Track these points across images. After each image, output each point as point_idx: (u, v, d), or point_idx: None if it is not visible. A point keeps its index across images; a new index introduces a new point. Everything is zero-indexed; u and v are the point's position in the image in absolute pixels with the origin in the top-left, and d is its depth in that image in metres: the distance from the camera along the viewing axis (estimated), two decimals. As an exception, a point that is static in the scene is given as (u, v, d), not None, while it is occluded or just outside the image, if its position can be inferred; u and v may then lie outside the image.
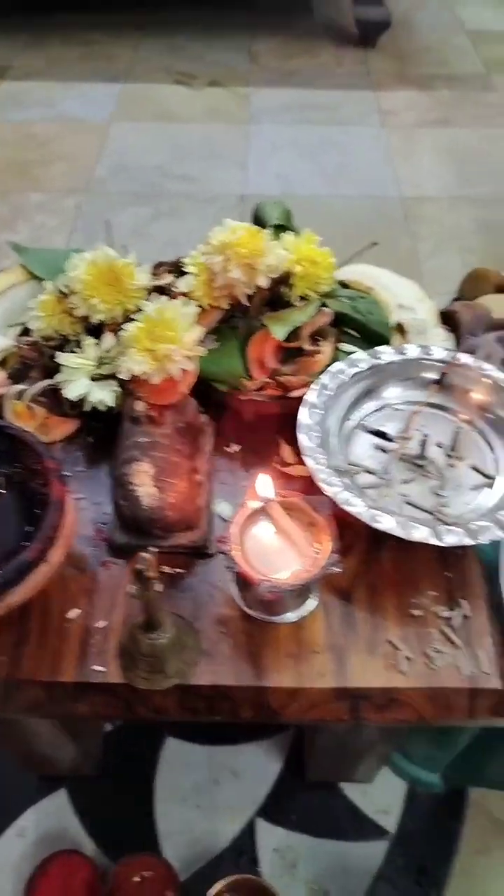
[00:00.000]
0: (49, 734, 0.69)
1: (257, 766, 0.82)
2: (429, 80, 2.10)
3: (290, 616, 0.48)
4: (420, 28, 2.39)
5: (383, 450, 0.55)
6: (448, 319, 0.67)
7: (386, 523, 0.48)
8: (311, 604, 0.49)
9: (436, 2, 2.53)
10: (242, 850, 0.77)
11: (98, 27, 2.25)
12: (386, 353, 0.57)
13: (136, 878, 0.71)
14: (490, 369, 0.56)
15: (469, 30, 2.38)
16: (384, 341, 0.60)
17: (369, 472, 0.54)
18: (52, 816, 0.79)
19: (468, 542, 0.47)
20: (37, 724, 0.66)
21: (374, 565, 0.52)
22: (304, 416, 0.54)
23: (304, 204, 1.68)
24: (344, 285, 0.69)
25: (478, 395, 0.54)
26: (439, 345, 0.60)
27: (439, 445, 0.55)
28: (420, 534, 0.47)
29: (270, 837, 0.78)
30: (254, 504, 0.47)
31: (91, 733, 0.82)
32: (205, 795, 0.80)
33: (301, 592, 0.49)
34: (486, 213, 1.59)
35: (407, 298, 0.66)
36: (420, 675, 0.46)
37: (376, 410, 0.58)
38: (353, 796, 0.80)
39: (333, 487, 0.49)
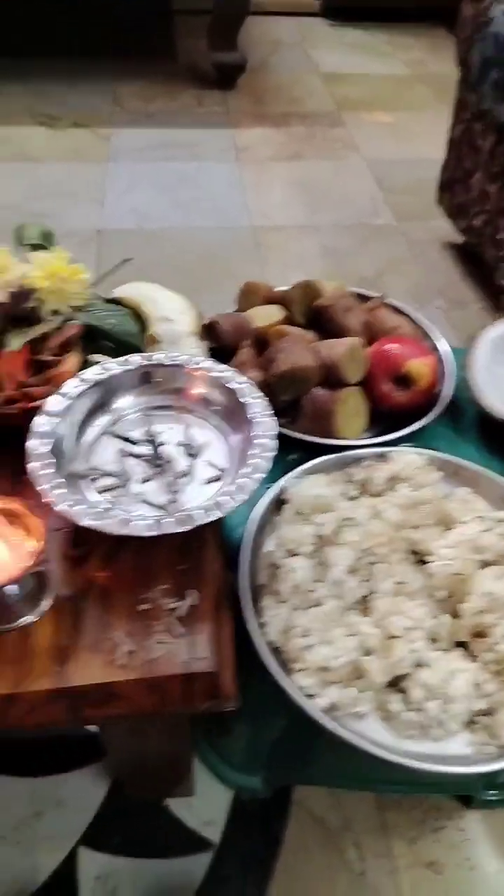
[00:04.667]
0: None
1: (83, 793, 0.80)
2: (283, 118, 2.22)
3: (26, 620, 0.48)
4: (277, 70, 2.53)
5: (131, 454, 0.57)
6: (211, 330, 0.70)
7: (91, 520, 0.49)
8: (45, 606, 0.50)
9: (292, 46, 2.70)
10: (62, 883, 0.74)
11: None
12: (113, 363, 0.59)
13: None
14: (204, 363, 0.59)
15: (322, 72, 2.54)
16: (135, 350, 0.63)
17: (110, 475, 0.55)
18: None
19: (177, 529, 0.48)
20: None
21: (114, 565, 0.53)
22: (37, 422, 0.55)
23: (158, 235, 1.74)
24: (116, 301, 0.71)
25: (198, 391, 0.57)
26: (188, 352, 0.63)
27: (180, 444, 0.57)
28: (129, 528, 0.48)
29: (92, 865, 0.75)
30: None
31: None
32: (25, 830, 0.77)
33: (32, 597, 0.50)
34: (328, 240, 1.68)
35: (170, 311, 0.69)
36: (138, 667, 0.47)
37: (125, 416, 0.59)
38: (178, 811, 0.79)
39: (56, 490, 0.50)
